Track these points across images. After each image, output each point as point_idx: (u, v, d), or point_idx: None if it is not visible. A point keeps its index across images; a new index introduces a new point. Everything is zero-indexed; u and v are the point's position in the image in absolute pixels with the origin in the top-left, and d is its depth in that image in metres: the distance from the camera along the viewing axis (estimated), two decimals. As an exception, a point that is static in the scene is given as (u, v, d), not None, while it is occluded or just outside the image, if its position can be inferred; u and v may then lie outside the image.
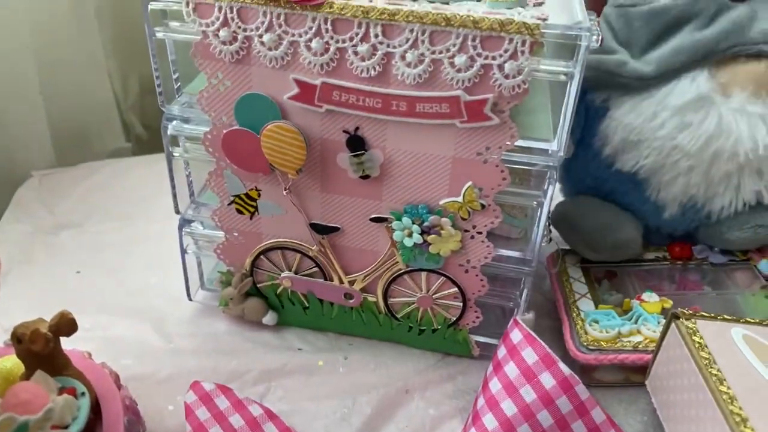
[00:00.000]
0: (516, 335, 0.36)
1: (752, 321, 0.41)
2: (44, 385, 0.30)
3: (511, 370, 0.35)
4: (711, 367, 0.36)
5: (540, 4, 0.34)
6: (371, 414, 0.38)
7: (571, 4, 0.35)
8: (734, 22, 0.42)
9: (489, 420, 0.34)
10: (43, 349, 0.31)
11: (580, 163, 0.47)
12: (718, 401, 0.34)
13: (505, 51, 0.32)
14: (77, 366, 0.33)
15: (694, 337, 0.38)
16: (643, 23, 0.43)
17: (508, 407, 0.34)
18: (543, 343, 0.35)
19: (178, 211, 0.41)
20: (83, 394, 0.31)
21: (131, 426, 0.33)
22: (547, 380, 0.34)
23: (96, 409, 0.32)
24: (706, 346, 0.38)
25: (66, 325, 0.31)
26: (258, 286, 0.43)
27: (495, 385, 0.35)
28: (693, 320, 0.39)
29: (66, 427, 0.30)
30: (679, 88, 0.42)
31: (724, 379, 0.35)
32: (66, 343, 0.32)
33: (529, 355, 0.35)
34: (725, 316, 0.41)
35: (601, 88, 0.44)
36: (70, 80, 0.62)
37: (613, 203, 0.47)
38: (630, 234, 0.46)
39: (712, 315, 0.41)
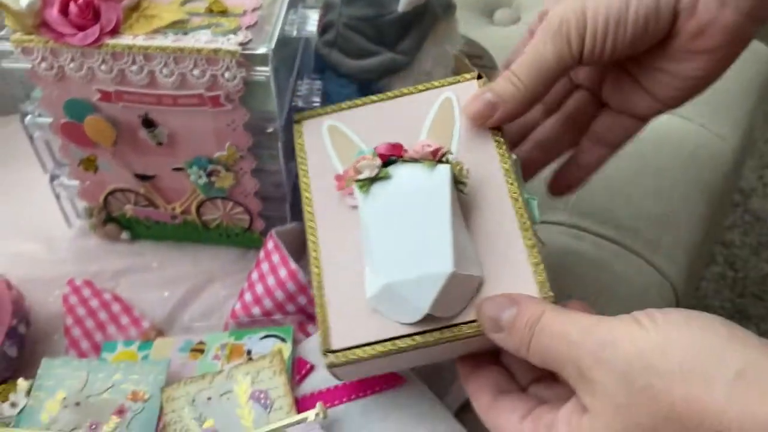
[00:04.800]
0: (269, 243, 0.57)
1: (344, 107, 0.50)
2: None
3: (264, 266, 0.56)
4: (303, 166, 0.48)
5: (252, 26, 0.52)
6: (183, 295, 0.60)
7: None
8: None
9: (248, 296, 0.56)
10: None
11: None
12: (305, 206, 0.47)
13: (222, 66, 0.50)
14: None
15: (299, 140, 0.50)
16: (395, 28, 0.58)
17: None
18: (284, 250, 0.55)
19: (46, 171, 0.60)
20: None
21: (18, 306, 0.54)
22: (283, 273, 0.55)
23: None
24: (304, 145, 0.49)
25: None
26: (112, 216, 0.63)
27: (254, 275, 0.56)
28: (301, 122, 0.52)
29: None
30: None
31: (309, 182, 0.48)
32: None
33: (275, 258, 0.56)
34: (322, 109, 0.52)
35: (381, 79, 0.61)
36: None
37: None
38: None
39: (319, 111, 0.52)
